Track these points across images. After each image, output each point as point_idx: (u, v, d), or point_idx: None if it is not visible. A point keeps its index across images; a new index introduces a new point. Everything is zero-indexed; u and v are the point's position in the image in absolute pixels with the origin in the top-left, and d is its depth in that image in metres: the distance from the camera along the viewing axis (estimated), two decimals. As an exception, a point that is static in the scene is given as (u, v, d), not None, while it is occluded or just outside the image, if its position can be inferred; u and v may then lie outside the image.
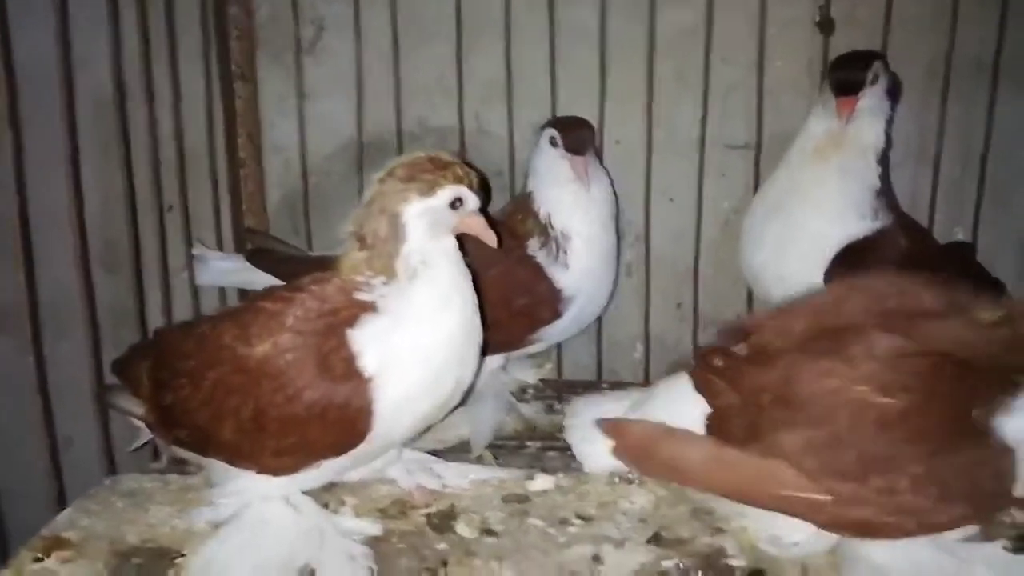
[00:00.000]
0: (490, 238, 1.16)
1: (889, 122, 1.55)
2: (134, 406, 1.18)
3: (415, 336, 1.08)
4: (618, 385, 1.85)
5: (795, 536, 1.08)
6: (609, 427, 1.19)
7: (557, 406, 1.73)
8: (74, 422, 1.42)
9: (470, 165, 1.18)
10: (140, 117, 1.52)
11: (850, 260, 1.46)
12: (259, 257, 1.68)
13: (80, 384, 1.35)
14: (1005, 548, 1.07)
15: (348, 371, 1.04)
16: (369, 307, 1.07)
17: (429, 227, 1.09)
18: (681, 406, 1.14)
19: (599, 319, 1.83)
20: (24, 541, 1.14)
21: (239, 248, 1.82)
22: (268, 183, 1.91)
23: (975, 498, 0.98)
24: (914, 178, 1.79)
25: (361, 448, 1.09)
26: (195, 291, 1.70)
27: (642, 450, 1.14)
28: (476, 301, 1.18)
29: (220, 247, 1.78)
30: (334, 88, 1.87)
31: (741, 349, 1.12)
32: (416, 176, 1.09)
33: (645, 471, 1.18)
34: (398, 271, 1.08)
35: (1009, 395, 0.97)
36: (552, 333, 1.60)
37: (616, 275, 1.69)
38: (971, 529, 1.05)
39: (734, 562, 1.08)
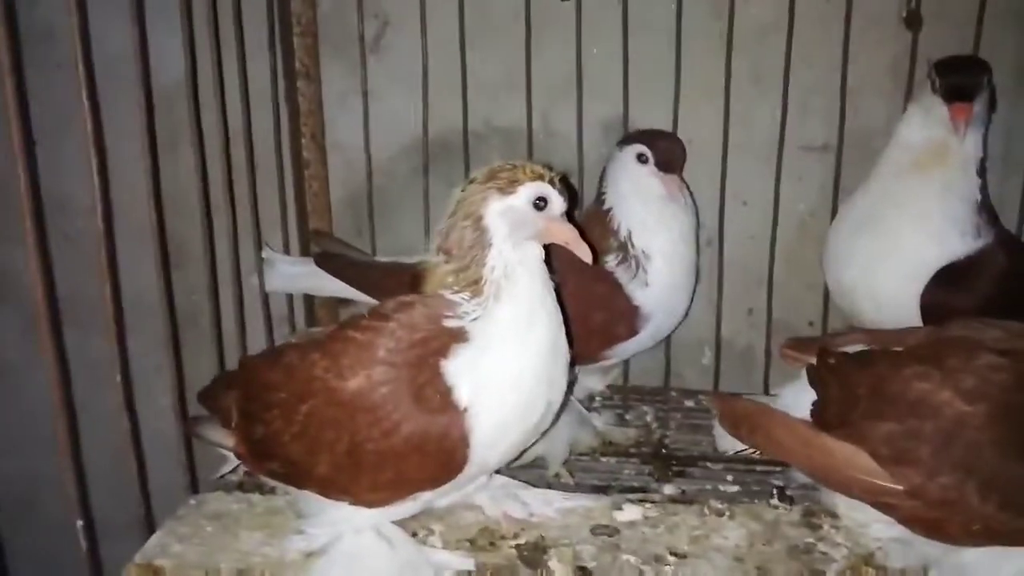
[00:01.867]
0: (583, 251, 1.11)
1: (986, 132, 1.48)
2: (223, 438, 1.17)
3: (505, 361, 1.06)
4: (686, 392, 1.82)
5: (884, 532, 1.14)
6: (718, 400, 1.34)
7: (628, 416, 1.71)
8: (152, 424, 1.42)
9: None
10: (208, 115, 1.49)
11: (950, 281, 1.40)
12: (327, 261, 1.66)
13: (153, 388, 1.32)
14: None
15: (444, 403, 1.02)
16: (459, 335, 1.05)
17: (513, 230, 1.06)
18: (798, 395, 1.23)
19: (669, 324, 1.79)
20: (114, 563, 1.14)
21: (305, 251, 1.80)
22: (331, 183, 1.87)
23: None
24: (1001, 183, 1.71)
25: (459, 479, 1.07)
26: (266, 297, 1.67)
27: (744, 422, 1.22)
28: (561, 317, 1.14)
29: (287, 250, 1.76)
30: (398, 86, 1.82)
31: (852, 345, 1.23)
32: (495, 176, 1.07)
33: (746, 442, 1.25)
34: (484, 285, 1.05)
35: None
36: (628, 350, 1.57)
37: (695, 289, 1.65)
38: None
39: (836, 608, 1.06)
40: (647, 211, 1.52)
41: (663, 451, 1.57)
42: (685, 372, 1.91)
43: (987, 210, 1.45)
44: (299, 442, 1.06)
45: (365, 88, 1.81)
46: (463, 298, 1.06)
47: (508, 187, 1.06)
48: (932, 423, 1.06)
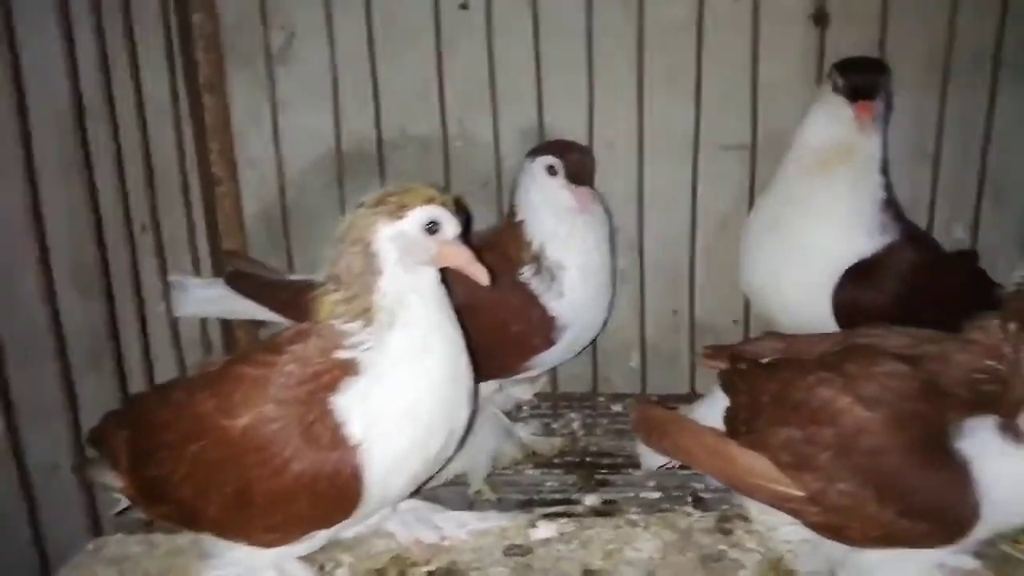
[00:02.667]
0: (478, 273, 1.09)
1: (886, 130, 1.49)
2: (113, 480, 1.12)
3: (398, 391, 1.03)
4: (614, 397, 1.82)
5: (794, 535, 1.15)
6: (634, 407, 1.32)
7: (554, 426, 1.69)
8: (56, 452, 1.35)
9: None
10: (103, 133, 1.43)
11: (859, 279, 1.41)
12: (240, 282, 1.61)
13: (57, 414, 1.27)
14: None
15: (334, 440, 0.99)
16: (350, 367, 1.02)
17: (403, 256, 1.03)
18: (716, 402, 1.24)
19: (595, 328, 1.78)
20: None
21: (217, 272, 1.74)
22: (244, 200, 1.82)
23: (937, 516, 1.01)
24: (913, 176, 1.73)
25: (355, 515, 1.04)
26: (174, 322, 1.62)
27: (655, 429, 1.23)
28: (463, 342, 1.12)
29: (197, 271, 1.70)
30: (309, 97, 1.77)
31: (766, 352, 1.24)
32: (384, 200, 1.04)
33: (656, 449, 1.26)
34: (375, 313, 1.02)
35: (970, 415, 1.01)
36: (546, 361, 1.55)
37: (613, 298, 1.64)
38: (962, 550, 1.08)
39: (746, 616, 1.06)
40: (559, 223, 1.50)
41: (587, 459, 1.56)
42: (613, 376, 1.90)
43: (892, 207, 1.46)
44: (188, 484, 1.02)
45: (274, 101, 1.76)
46: (356, 327, 1.03)
47: (398, 211, 1.03)
48: (831, 429, 1.06)
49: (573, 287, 1.51)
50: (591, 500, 1.40)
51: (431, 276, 1.07)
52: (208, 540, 1.10)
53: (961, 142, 1.72)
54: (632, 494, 1.42)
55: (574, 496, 1.43)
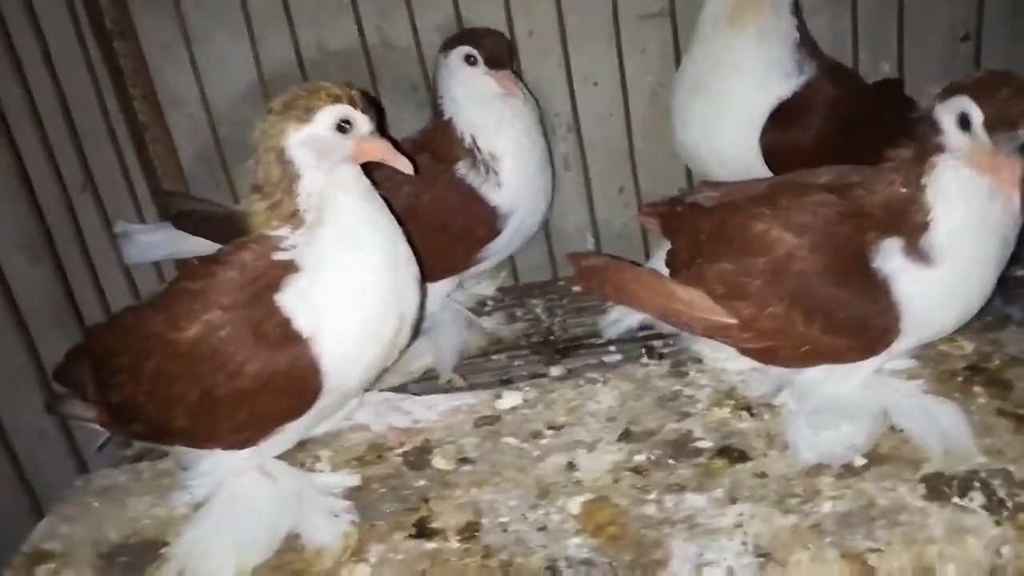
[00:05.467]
0: (402, 163, 1.10)
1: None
2: (85, 411, 1.16)
3: (339, 282, 1.06)
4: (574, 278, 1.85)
5: (743, 365, 1.21)
6: (573, 257, 1.33)
7: (518, 314, 1.73)
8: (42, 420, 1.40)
9: (366, 91, 1.11)
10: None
11: (783, 121, 1.43)
12: (185, 221, 1.61)
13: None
14: None
15: (284, 336, 1.02)
16: (288, 267, 1.04)
17: (319, 158, 1.04)
18: (661, 254, 1.28)
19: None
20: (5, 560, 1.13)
21: (163, 216, 1.74)
22: (177, 141, 1.81)
23: (859, 330, 1.06)
24: (833, 22, 1.74)
25: (318, 406, 1.08)
26: (127, 271, 1.63)
27: (596, 276, 1.25)
28: (398, 232, 1.14)
29: (142, 219, 1.70)
30: (221, 29, 1.74)
31: (703, 200, 1.26)
32: (292, 104, 1.05)
33: (600, 295, 1.33)
34: (302, 215, 1.04)
35: (886, 238, 1.05)
36: (495, 250, 1.57)
37: (552, 179, 1.65)
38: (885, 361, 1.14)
39: (702, 444, 1.12)
40: (486, 113, 1.50)
41: (551, 338, 1.61)
42: (571, 260, 1.93)
43: (807, 44, 1.47)
44: (152, 402, 1.06)
45: (187, 36, 1.72)
46: (286, 232, 1.05)
47: (305, 115, 1.03)
48: (763, 258, 1.10)
49: (510, 174, 1.52)
50: (556, 371, 1.45)
51: (352, 173, 1.08)
52: (183, 453, 1.14)
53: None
54: (595, 360, 1.47)
55: (541, 371, 1.47)
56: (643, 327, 1.41)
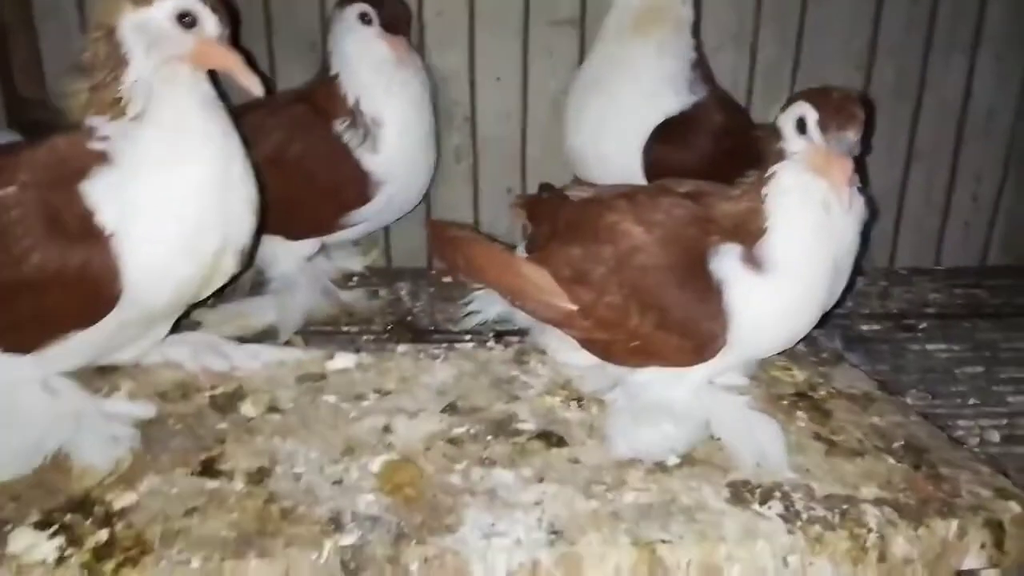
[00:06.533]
0: (249, 79, 1.03)
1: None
2: None
3: (159, 186, 0.98)
4: (444, 271, 1.82)
5: (583, 361, 1.19)
6: (432, 225, 1.33)
7: (381, 293, 1.68)
8: None
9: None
10: None
11: (668, 137, 1.46)
12: (33, 129, 1.49)
13: None
14: None
15: (84, 229, 0.93)
16: (101, 158, 0.96)
17: (152, 48, 0.97)
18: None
19: (428, 204, 1.77)
20: None
21: (14, 123, 1.61)
22: (45, 51, 1.68)
23: (689, 330, 1.07)
24: (733, 62, 1.80)
25: (116, 317, 0.99)
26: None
27: (449, 246, 1.24)
28: (240, 148, 1.07)
29: (-3, 125, 1.57)
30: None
31: (572, 194, 1.26)
32: None
33: (451, 265, 1.30)
34: (124, 105, 0.96)
35: (726, 243, 1.06)
36: (362, 218, 1.52)
37: (435, 160, 1.62)
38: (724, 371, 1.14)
39: (524, 426, 1.08)
40: (376, 76, 1.46)
41: (408, 319, 1.56)
42: (448, 253, 1.89)
43: (701, 67, 1.52)
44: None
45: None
46: (103, 121, 0.97)
47: None
48: (611, 247, 1.10)
49: (389, 143, 1.48)
50: (403, 349, 1.40)
51: (190, 73, 1.01)
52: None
53: (778, 29, 1.79)
54: (445, 344, 1.43)
55: (388, 348, 1.42)
56: (499, 320, 1.38)
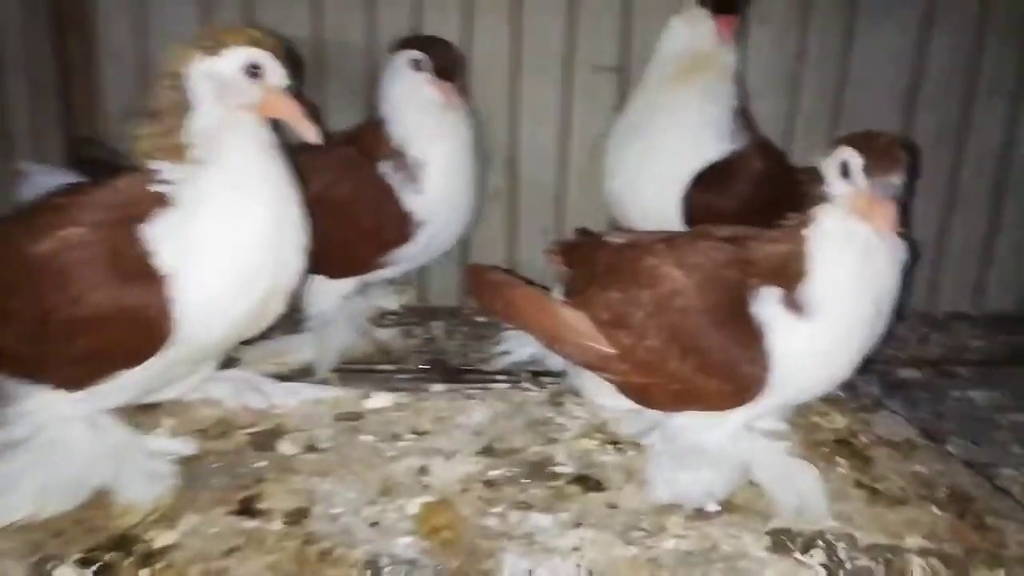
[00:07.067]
0: (307, 129, 1.06)
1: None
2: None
3: (214, 227, 1.00)
4: (477, 310, 1.82)
5: (620, 405, 1.17)
6: (473, 268, 1.32)
7: (415, 331, 1.69)
8: None
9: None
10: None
11: (708, 183, 1.46)
12: (88, 168, 1.54)
13: None
14: None
15: (141, 269, 0.96)
16: (162, 200, 0.98)
17: (220, 96, 1.00)
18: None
19: (464, 244, 1.78)
20: None
21: (72, 162, 1.67)
22: (106, 92, 1.74)
23: (730, 373, 1.06)
24: (775, 109, 1.80)
25: (166, 356, 1.01)
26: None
27: (487, 289, 1.24)
28: (295, 194, 1.09)
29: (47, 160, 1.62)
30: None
31: (610, 239, 1.27)
32: (206, 35, 1.02)
33: (490, 308, 1.29)
34: (188, 151, 0.99)
35: (767, 285, 1.06)
36: (402, 257, 1.53)
37: (478, 202, 1.64)
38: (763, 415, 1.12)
39: (560, 469, 1.08)
40: (423, 119, 1.49)
41: (442, 357, 1.56)
42: (483, 293, 1.90)
43: (742, 116, 1.52)
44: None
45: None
46: (166, 165, 1.00)
47: (215, 48, 1.00)
48: (650, 291, 1.10)
49: (433, 184, 1.50)
50: (438, 388, 1.40)
51: (253, 121, 1.04)
52: (10, 384, 1.04)
53: (820, 77, 1.80)
54: (480, 385, 1.42)
55: (423, 386, 1.42)
56: (532, 361, 1.38)
